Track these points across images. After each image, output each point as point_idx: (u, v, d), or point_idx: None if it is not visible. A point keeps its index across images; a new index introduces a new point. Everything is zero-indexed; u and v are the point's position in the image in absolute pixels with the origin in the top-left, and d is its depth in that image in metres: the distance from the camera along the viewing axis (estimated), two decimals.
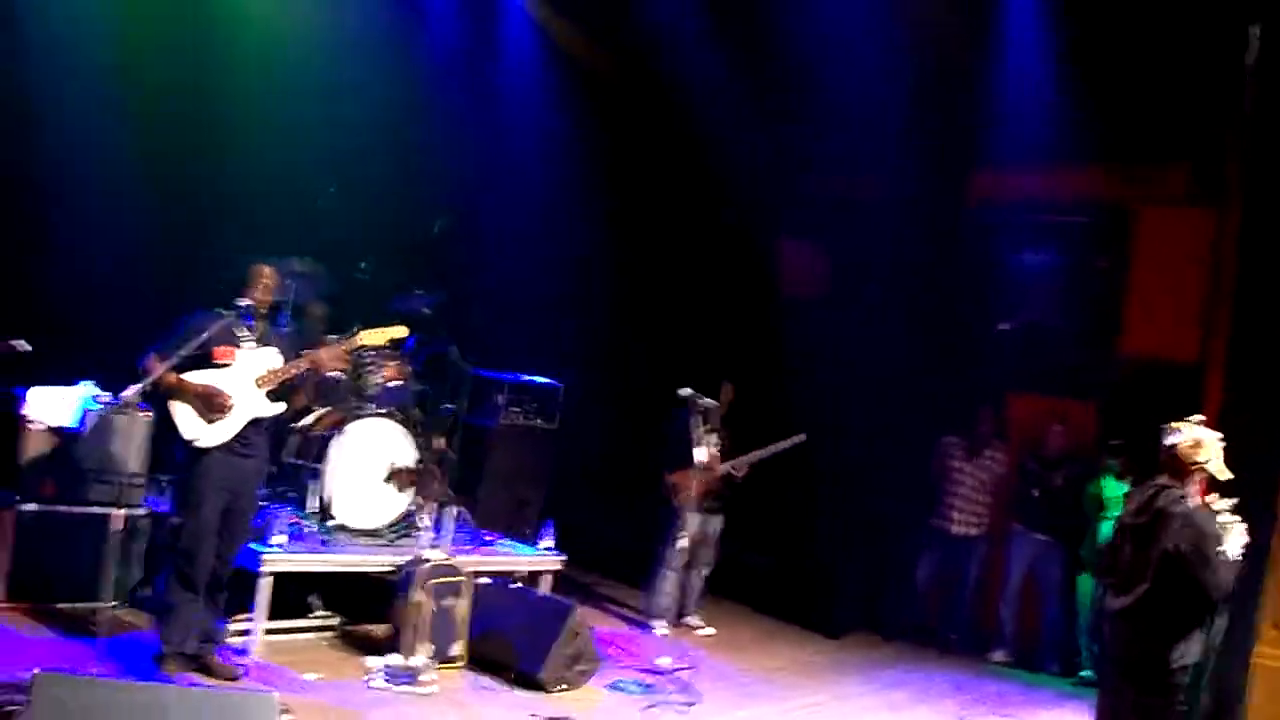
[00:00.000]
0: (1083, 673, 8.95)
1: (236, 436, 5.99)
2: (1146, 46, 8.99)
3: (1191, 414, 8.20)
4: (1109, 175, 9.76)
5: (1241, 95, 8.59)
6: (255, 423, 6.08)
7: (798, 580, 10.03)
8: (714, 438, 8.63)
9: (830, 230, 10.83)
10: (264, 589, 6.62)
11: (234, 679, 6.05)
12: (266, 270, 6.18)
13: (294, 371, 6.14)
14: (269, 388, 6.08)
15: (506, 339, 9.90)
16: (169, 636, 5.95)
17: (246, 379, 6.02)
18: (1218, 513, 5.57)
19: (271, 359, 6.15)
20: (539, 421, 9.76)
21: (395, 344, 7.44)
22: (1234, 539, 5.53)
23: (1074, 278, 10.06)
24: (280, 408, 6.20)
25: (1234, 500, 5.62)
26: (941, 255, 10.11)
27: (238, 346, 6.06)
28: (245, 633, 6.65)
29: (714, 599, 9.45)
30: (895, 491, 9.98)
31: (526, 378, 9.75)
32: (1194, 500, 5.55)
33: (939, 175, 10.22)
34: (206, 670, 6.04)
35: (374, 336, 6.61)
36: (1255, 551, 8.32)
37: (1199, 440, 5.59)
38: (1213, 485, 5.66)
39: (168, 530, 6.10)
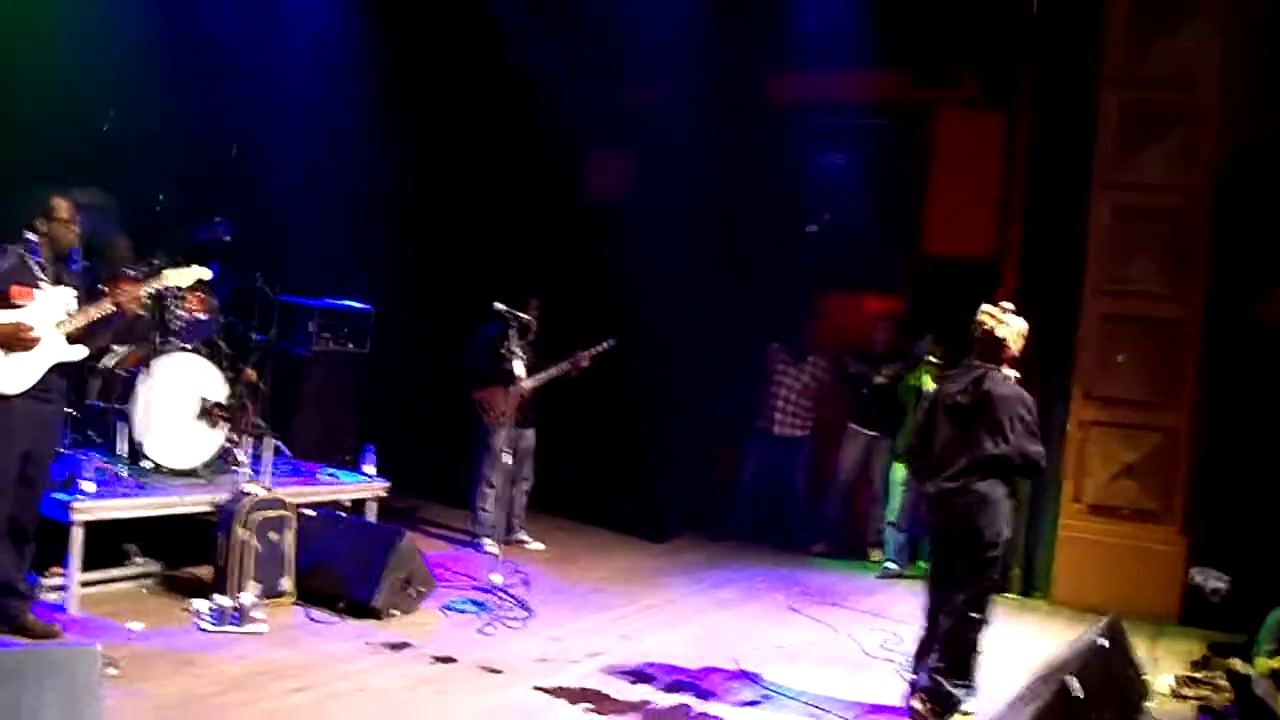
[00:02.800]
0: (886, 563, 9.33)
1: (38, 382, 5.62)
2: None
3: (993, 303, 8.68)
4: (907, 79, 9.99)
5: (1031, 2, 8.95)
6: (56, 368, 5.72)
7: (624, 490, 10.16)
8: (523, 351, 8.62)
9: (637, 139, 10.79)
10: (76, 540, 6.28)
11: (52, 636, 5.75)
12: (64, 203, 5.72)
13: (98, 314, 5.77)
14: (70, 330, 5.70)
15: (314, 264, 9.57)
16: None
17: (47, 321, 5.63)
18: None
19: (68, 300, 5.76)
20: (351, 346, 9.59)
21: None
22: None
23: (876, 179, 10.30)
24: (83, 352, 5.84)
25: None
26: (748, 158, 10.22)
27: (36, 286, 5.64)
28: (60, 588, 6.32)
29: (544, 514, 9.50)
30: (715, 395, 10.19)
31: (337, 302, 9.51)
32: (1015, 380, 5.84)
33: (740, 79, 10.30)
34: (22, 629, 5.72)
35: (180, 276, 6.21)
36: (1049, 431, 8.92)
37: (1022, 331, 5.86)
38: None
39: None
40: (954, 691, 5.75)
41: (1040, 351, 9.01)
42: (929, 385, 9.07)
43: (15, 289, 5.56)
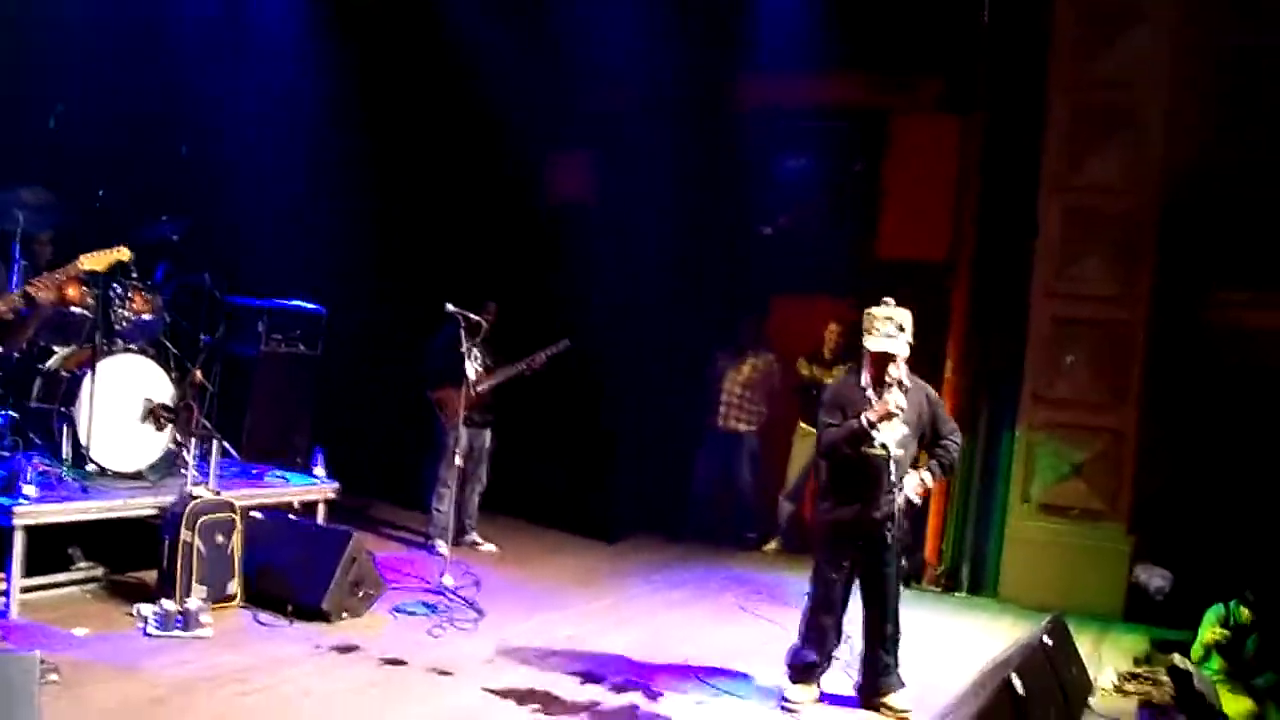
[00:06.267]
0: None
1: None
2: None
3: (941, 310, 8.77)
4: (866, 83, 10.04)
5: (983, 9, 9.04)
6: None
7: (577, 490, 10.15)
8: (479, 352, 8.59)
9: (597, 139, 10.78)
10: (18, 544, 6.18)
11: None
12: None
13: (6, 308, 5.63)
14: None
15: (265, 264, 9.48)
16: None
17: None
18: (865, 387, 5.92)
19: None
20: (302, 347, 9.47)
21: (127, 273, 6.98)
22: (894, 400, 5.78)
23: (832, 182, 10.36)
24: None
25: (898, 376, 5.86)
26: (706, 160, 10.24)
27: None
28: (2, 593, 6.22)
29: (496, 515, 9.48)
30: (669, 395, 10.20)
31: (287, 303, 9.42)
32: (851, 377, 6.08)
33: (701, 81, 10.31)
34: None
35: (95, 261, 6.02)
36: (998, 431, 9.04)
37: (865, 322, 5.92)
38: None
39: None
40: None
41: (991, 354, 9.16)
42: None
43: None
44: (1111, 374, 8.83)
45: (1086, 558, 8.73)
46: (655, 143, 10.09)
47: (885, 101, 10.06)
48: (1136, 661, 7.25)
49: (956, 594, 9.03)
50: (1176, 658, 6.38)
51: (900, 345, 5.83)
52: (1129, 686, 6.70)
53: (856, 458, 5.85)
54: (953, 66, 9.56)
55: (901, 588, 6.23)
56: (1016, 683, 4.97)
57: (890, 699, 6.04)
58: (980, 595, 9.06)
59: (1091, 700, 6.30)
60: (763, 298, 10.46)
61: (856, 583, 6.06)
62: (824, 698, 6.17)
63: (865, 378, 5.94)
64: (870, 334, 5.85)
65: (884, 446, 5.78)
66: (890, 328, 5.81)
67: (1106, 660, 7.24)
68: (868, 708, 6.09)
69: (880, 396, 5.82)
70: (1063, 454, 8.91)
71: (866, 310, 5.91)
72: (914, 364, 9.12)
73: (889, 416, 5.76)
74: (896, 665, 6.10)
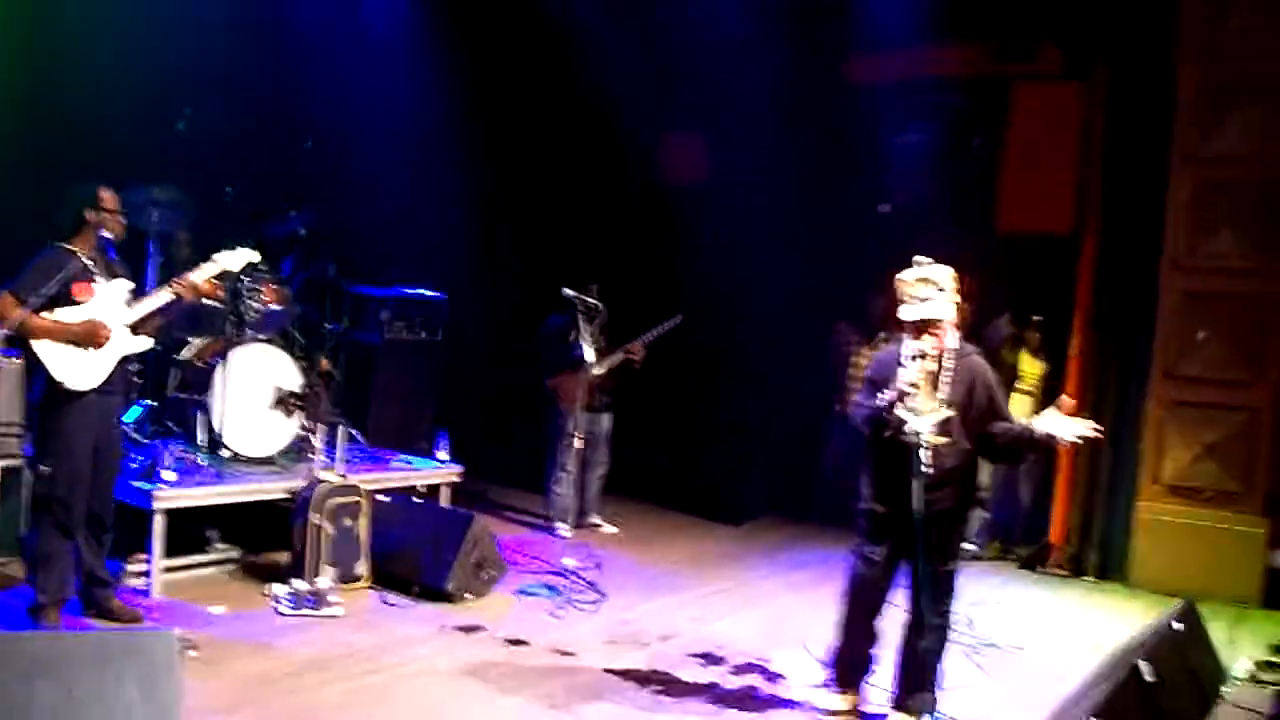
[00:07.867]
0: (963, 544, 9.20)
1: (108, 376, 5.74)
2: None
3: (1066, 286, 8.53)
4: (983, 53, 9.77)
5: None
6: (123, 360, 5.84)
7: (701, 473, 10.15)
8: (595, 336, 8.65)
9: (709, 119, 10.73)
10: (159, 527, 6.48)
11: (137, 620, 5.94)
12: (110, 196, 5.76)
13: (156, 303, 5.89)
14: (131, 321, 5.79)
15: (387, 254, 9.72)
16: (46, 586, 5.72)
17: (109, 314, 5.74)
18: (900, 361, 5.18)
19: (125, 291, 5.85)
20: (424, 334, 9.68)
21: (256, 267, 7.20)
22: (905, 375, 5.09)
23: (950, 156, 10.12)
24: (149, 343, 5.96)
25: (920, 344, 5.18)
26: (821, 138, 10.12)
27: (93, 281, 5.73)
28: (144, 573, 6.53)
29: (617, 497, 9.54)
30: (794, 376, 10.11)
31: (409, 291, 9.63)
32: (895, 347, 5.30)
33: (814, 58, 10.18)
34: (108, 614, 5.92)
35: (231, 260, 6.21)
36: (1127, 410, 8.79)
37: (896, 290, 5.24)
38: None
39: (37, 478, 5.77)
40: None
41: (1119, 329, 8.91)
42: (1026, 366, 8.98)
43: (76, 286, 5.64)
44: (1248, 350, 8.49)
45: (1221, 541, 8.42)
46: (769, 121, 10.00)
47: (1004, 70, 9.72)
48: (1274, 649, 6.99)
49: (1084, 578, 8.81)
50: None
51: (939, 307, 5.09)
52: (1265, 675, 6.46)
53: (882, 442, 5.16)
54: (1074, 34, 9.25)
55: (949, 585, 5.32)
56: (1145, 670, 4.84)
57: None
58: (1109, 580, 8.80)
59: (1225, 689, 6.11)
60: (882, 276, 10.28)
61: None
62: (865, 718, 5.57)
63: (904, 350, 5.14)
64: (903, 302, 5.14)
65: (915, 433, 4.98)
66: (926, 290, 5.09)
67: (1242, 648, 6.99)
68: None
69: (917, 369, 5.06)
70: (1195, 433, 8.62)
71: (897, 277, 5.22)
72: (1042, 339, 9.04)
73: (900, 397, 5.03)
74: (931, 682, 5.29)
